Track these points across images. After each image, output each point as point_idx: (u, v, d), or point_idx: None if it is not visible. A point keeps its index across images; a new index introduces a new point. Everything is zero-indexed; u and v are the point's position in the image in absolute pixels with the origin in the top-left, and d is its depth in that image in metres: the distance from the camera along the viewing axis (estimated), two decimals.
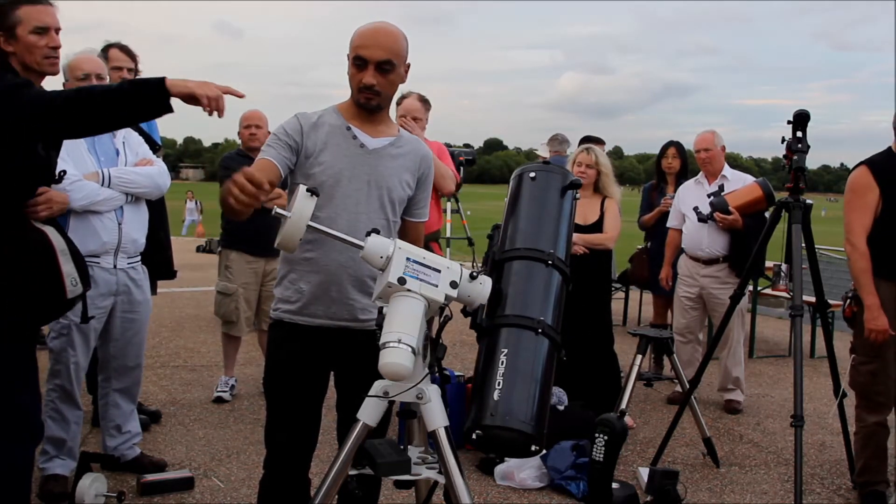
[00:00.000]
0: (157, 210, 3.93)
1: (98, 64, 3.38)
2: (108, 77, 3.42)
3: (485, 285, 1.80)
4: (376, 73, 2.26)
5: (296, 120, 2.35)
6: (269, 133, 4.95)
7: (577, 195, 2.07)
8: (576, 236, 4.65)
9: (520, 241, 1.92)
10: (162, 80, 2.23)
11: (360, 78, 2.28)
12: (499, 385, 1.70)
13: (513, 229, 1.96)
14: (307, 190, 1.79)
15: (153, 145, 4.11)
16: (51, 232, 2.64)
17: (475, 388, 1.76)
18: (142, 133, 4.04)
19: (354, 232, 2.15)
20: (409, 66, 2.36)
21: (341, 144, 2.33)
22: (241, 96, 2.26)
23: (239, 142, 5.04)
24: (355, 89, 2.31)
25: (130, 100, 2.25)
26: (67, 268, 2.62)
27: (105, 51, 4.09)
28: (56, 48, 2.66)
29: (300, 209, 1.76)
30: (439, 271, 1.76)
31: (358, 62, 2.27)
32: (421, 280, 1.74)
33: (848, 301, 3.55)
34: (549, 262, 1.88)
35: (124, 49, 4.15)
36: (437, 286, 1.75)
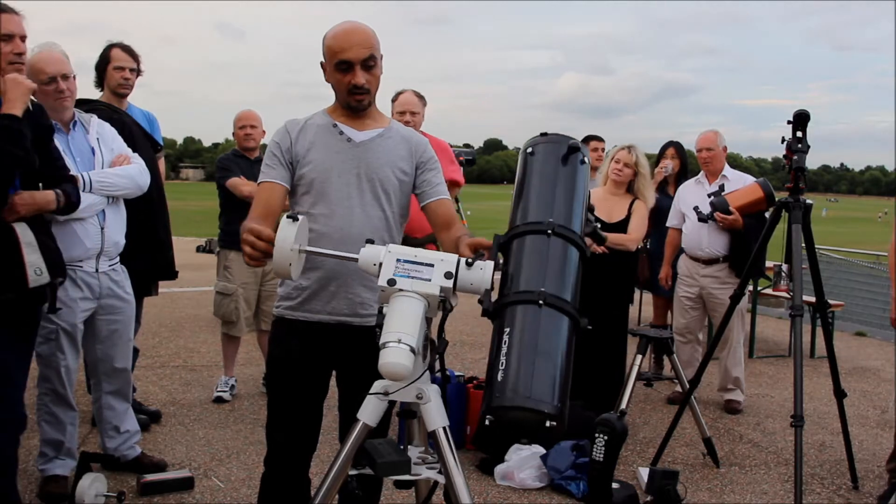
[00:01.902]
0: (159, 210, 3.92)
1: (62, 63, 3.21)
2: (72, 74, 3.26)
3: (485, 270, 1.77)
4: (363, 71, 2.28)
5: (284, 130, 2.40)
6: (264, 132, 4.98)
7: (585, 159, 1.95)
8: None
9: (518, 220, 1.87)
10: None
11: (348, 80, 2.29)
12: (502, 365, 1.65)
13: (514, 211, 1.92)
14: (287, 216, 1.82)
15: (154, 146, 4.10)
16: (20, 227, 2.70)
17: (486, 376, 1.71)
18: (145, 133, 4.04)
19: (350, 226, 2.25)
20: (381, 56, 2.37)
21: (329, 141, 2.36)
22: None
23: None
24: (344, 92, 2.33)
25: None
26: (32, 258, 2.69)
27: (108, 50, 4.08)
28: (21, 54, 2.80)
29: (280, 238, 1.79)
30: (432, 265, 1.75)
31: (343, 66, 2.28)
32: (412, 278, 1.73)
33: None
34: (549, 231, 1.81)
35: (127, 49, 4.13)
36: (430, 280, 1.73)
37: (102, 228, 3.27)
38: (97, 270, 3.30)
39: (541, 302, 1.70)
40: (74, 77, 3.30)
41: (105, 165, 3.33)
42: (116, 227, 3.36)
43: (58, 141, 3.19)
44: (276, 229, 1.85)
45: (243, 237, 1.92)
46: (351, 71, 2.28)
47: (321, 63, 2.35)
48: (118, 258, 3.44)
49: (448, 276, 1.74)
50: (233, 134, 4.96)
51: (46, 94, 3.17)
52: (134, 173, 3.38)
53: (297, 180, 2.36)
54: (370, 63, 2.29)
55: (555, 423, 1.62)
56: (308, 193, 2.36)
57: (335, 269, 2.33)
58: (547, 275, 1.76)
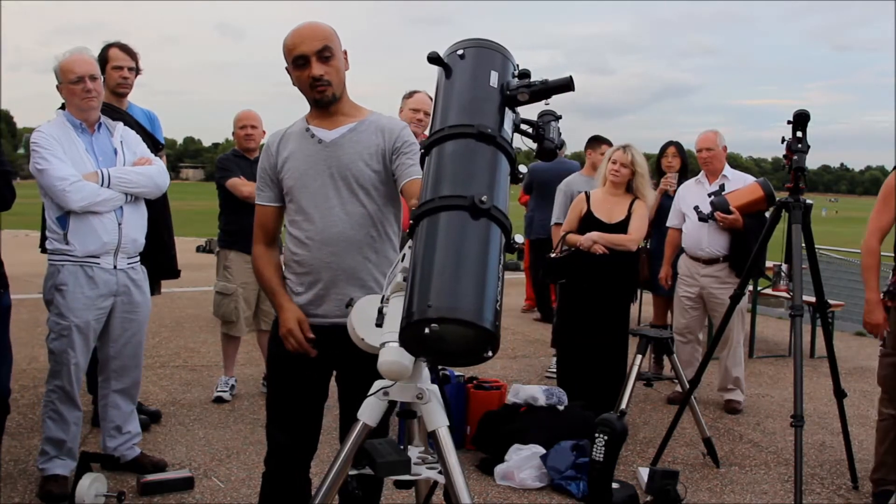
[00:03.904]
0: (161, 210, 3.94)
1: (90, 64, 3.33)
2: (100, 77, 3.38)
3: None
4: (319, 63, 2.30)
5: (266, 148, 2.47)
6: (264, 132, 5.00)
7: (460, 52, 1.69)
8: (596, 235, 4.63)
9: (438, 125, 1.67)
10: None
11: (307, 75, 2.32)
12: (425, 276, 1.44)
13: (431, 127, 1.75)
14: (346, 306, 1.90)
15: (156, 145, 4.11)
16: None
17: (405, 295, 1.51)
18: (145, 132, 4.04)
19: (331, 227, 2.32)
20: (346, 52, 2.39)
21: (302, 146, 2.39)
22: None
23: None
24: (307, 89, 2.35)
25: None
26: None
27: (105, 51, 4.08)
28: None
29: (349, 331, 1.84)
30: (401, 261, 1.74)
31: (299, 62, 2.31)
32: (390, 283, 1.73)
33: (883, 296, 3.56)
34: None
35: (123, 48, 4.14)
36: (396, 275, 1.72)
37: (120, 224, 3.31)
38: (115, 267, 3.33)
39: (471, 206, 1.47)
40: (103, 80, 3.44)
41: (126, 166, 3.41)
42: (135, 225, 3.41)
43: (82, 140, 3.33)
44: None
45: (285, 337, 2.35)
46: (308, 66, 2.30)
47: (286, 69, 2.37)
48: (138, 257, 3.48)
49: (403, 258, 1.70)
50: (233, 134, 4.96)
51: (74, 94, 3.29)
52: (153, 173, 3.47)
53: (284, 192, 2.42)
54: (326, 54, 2.30)
55: (491, 347, 1.42)
56: (291, 201, 2.41)
57: (320, 270, 2.35)
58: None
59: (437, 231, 1.48)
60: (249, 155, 4.86)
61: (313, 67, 2.30)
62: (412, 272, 1.48)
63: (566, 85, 1.64)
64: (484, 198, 1.48)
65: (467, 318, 1.37)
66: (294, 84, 2.38)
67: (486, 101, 1.63)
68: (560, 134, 1.71)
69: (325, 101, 2.35)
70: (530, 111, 1.72)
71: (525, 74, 1.67)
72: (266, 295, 2.53)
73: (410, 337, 1.43)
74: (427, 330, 1.38)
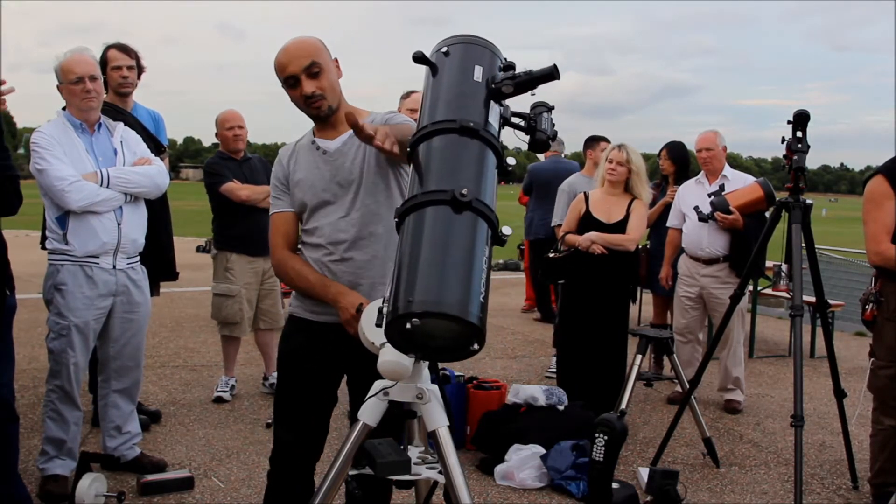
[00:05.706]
0: (160, 211, 3.94)
1: (90, 65, 3.34)
2: (100, 77, 3.39)
3: None
4: (309, 80, 2.31)
5: (279, 161, 2.50)
6: (247, 132, 4.94)
7: (445, 50, 1.71)
8: (595, 235, 4.64)
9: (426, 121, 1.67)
10: None
11: (299, 94, 2.34)
12: (410, 271, 1.45)
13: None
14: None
15: (159, 147, 4.11)
16: None
17: (389, 290, 1.53)
18: (147, 134, 4.05)
19: (337, 234, 2.34)
20: (337, 60, 2.41)
21: (309, 159, 2.42)
22: None
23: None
24: (304, 106, 2.37)
25: None
26: None
27: (105, 52, 4.09)
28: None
29: (360, 336, 1.81)
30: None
31: (290, 82, 2.33)
32: (389, 284, 1.74)
33: (870, 304, 3.46)
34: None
35: (121, 48, 4.15)
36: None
37: (119, 224, 3.31)
38: (114, 267, 3.33)
39: (452, 199, 1.47)
40: (104, 80, 3.46)
41: (126, 166, 3.41)
42: (134, 225, 3.41)
43: (82, 140, 3.33)
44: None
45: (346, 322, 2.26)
46: (299, 84, 2.32)
47: (283, 88, 2.39)
48: (138, 257, 3.48)
49: None
50: (216, 135, 4.87)
51: (74, 94, 3.29)
52: (153, 173, 3.47)
53: (297, 203, 2.44)
54: (314, 70, 2.31)
55: (477, 341, 1.42)
56: (304, 212, 2.44)
57: (332, 270, 2.35)
58: (460, 173, 1.55)
59: (423, 225, 1.49)
60: (236, 156, 4.82)
61: (304, 85, 2.31)
62: (398, 267, 1.49)
63: (551, 74, 1.64)
64: (465, 191, 1.48)
65: (452, 312, 1.38)
66: (292, 102, 2.40)
67: (471, 95, 1.64)
68: (553, 125, 1.71)
69: (322, 115, 2.37)
70: (523, 104, 1.72)
71: (509, 66, 1.68)
72: (312, 293, 2.37)
73: (395, 332, 1.44)
74: (408, 325, 1.38)
